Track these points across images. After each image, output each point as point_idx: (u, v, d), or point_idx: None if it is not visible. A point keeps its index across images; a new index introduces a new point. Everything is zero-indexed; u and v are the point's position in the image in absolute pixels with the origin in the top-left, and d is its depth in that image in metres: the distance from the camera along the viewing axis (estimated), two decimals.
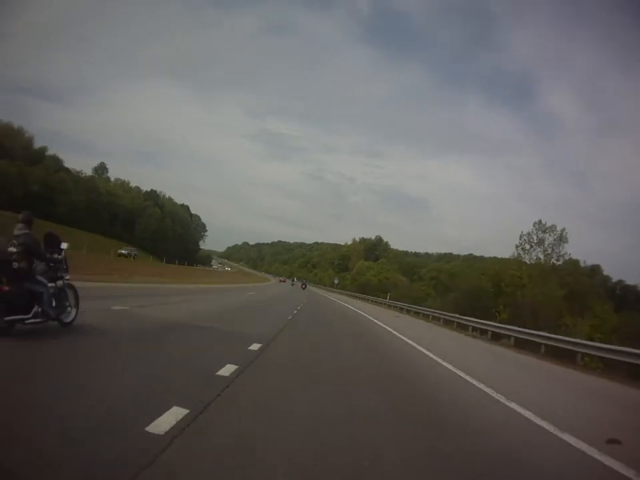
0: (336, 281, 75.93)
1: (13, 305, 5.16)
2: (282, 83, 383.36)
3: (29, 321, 5.40)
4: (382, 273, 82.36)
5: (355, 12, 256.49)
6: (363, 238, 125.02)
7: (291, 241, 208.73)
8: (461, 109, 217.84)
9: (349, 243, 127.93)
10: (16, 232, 5.48)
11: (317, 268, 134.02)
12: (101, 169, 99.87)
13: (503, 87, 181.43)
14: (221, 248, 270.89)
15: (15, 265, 5.26)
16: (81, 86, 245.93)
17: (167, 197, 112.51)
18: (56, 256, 6.12)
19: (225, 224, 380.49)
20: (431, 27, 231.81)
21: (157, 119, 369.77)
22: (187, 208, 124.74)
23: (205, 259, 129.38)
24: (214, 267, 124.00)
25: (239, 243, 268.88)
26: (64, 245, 6.26)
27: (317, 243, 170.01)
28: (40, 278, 5.67)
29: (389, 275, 79.02)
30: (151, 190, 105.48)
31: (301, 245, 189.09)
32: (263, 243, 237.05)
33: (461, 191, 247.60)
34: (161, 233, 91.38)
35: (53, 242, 6.19)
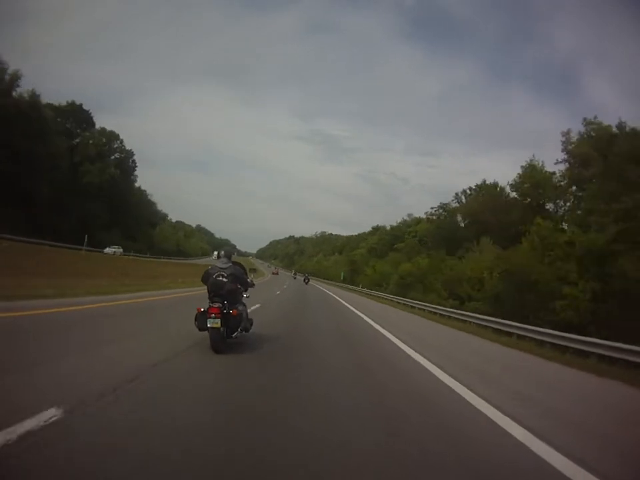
0: None
1: (235, 324, 6.25)
2: (332, 84, 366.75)
3: (235, 335, 6.44)
4: None
5: (399, 6, 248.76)
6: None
7: (344, 234, 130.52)
8: (510, 103, 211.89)
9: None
10: (220, 265, 6.36)
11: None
12: None
13: (549, 79, 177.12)
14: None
15: (243, 292, 6.73)
16: (124, 95, 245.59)
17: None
18: (248, 280, 7.09)
19: (265, 225, 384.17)
20: (475, 19, 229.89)
21: (205, 126, 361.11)
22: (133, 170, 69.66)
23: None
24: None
25: (280, 238, 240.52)
26: (251, 273, 7.21)
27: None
28: (243, 300, 6.86)
29: None
30: None
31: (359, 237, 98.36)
32: (307, 237, 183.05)
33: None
34: None
35: (241, 269, 6.93)
